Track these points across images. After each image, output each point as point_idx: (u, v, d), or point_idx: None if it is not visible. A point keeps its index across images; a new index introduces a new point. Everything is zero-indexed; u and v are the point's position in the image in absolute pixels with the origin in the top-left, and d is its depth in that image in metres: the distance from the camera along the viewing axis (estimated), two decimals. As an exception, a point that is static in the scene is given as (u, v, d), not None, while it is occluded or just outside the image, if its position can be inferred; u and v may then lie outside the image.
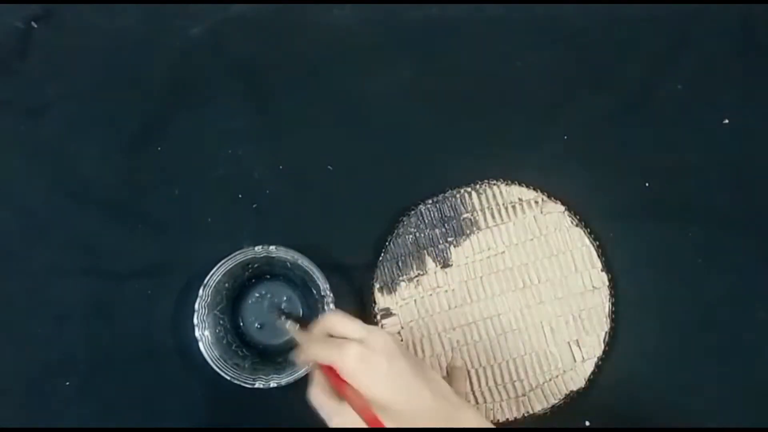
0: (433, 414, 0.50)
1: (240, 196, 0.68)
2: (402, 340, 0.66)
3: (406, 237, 0.67)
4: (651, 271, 0.68)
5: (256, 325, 0.66)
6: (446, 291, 0.66)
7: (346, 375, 0.50)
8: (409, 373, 0.50)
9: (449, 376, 0.65)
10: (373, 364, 0.49)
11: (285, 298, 0.66)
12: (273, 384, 0.60)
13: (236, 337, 0.65)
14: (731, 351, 0.67)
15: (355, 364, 0.49)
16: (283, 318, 0.64)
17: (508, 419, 0.65)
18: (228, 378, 0.60)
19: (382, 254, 0.67)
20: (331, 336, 0.53)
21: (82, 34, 0.69)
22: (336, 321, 0.53)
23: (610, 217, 0.68)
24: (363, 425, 0.49)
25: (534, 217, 0.67)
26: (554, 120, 0.70)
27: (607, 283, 0.66)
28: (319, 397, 0.52)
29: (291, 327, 0.61)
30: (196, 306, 0.61)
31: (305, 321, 0.63)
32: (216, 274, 0.61)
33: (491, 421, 0.65)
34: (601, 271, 0.66)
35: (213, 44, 0.70)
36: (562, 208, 0.67)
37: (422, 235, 0.67)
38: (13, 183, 0.67)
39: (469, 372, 0.66)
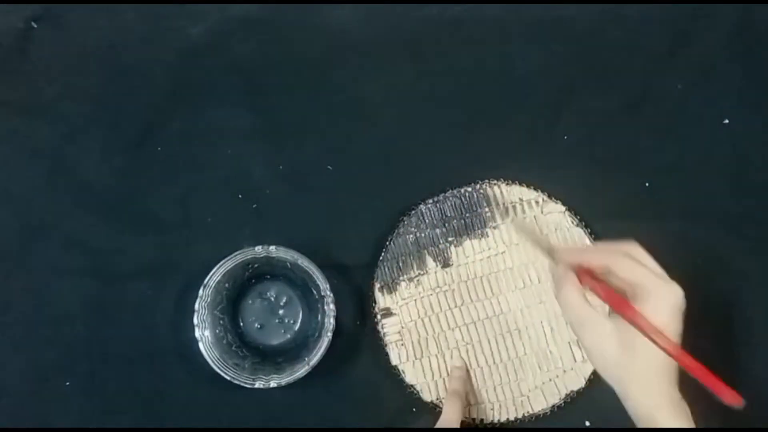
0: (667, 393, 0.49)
1: (240, 196, 0.68)
2: (402, 340, 0.66)
3: (407, 237, 0.67)
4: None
5: (256, 325, 0.66)
6: (446, 291, 0.66)
7: (661, 307, 0.49)
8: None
9: (449, 375, 0.65)
10: (681, 316, 0.49)
11: (285, 299, 0.66)
12: (273, 384, 0.60)
13: (236, 337, 0.65)
14: (731, 351, 0.67)
15: (680, 303, 0.49)
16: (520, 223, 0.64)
17: (508, 419, 0.65)
18: (228, 378, 0.60)
19: (383, 254, 0.67)
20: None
21: (82, 34, 0.69)
22: (650, 258, 0.52)
23: (610, 217, 0.68)
24: (637, 343, 0.48)
25: (534, 217, 0.67)
26: (554, 120, 0.70)
27: (607, 283, 0.66)
28: (578, 299, 0.51)
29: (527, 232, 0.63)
30: (196, 306, 0.61)
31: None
32: (216, 274, 0.61)
33: (491, 422, 0.65)
34: (602, 271, 0.66)
35: (213, 44, 0.70)
36: (563, 208, 0.67)
37: (423, 234, 0.67)
38: (13, 183, 0.67)
39: (469, 372, 0.66)
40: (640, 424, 0.50)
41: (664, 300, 0.49)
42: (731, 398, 0.47)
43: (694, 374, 0.48)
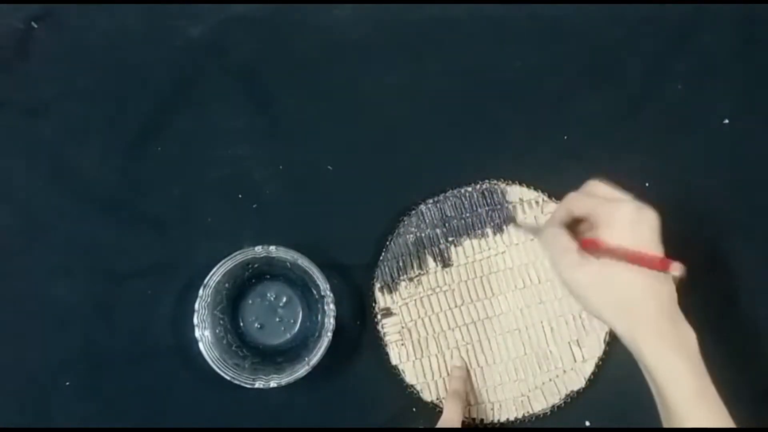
0: (661, 299, 0.49)
1: (240, 196, 0.68)
2: (402, 340, 0.66)
3: (407, 236, 0.67)
4: (651, 271, 0.68)
5: (256, 325, 0.66)
6: (447, 291, 0.66)
7: (612, 225, 0.49)
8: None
9: (449, 375, 0.65)
10: (636, 230, 0.49)
11: (285, 299, 0.66)
12: (273, 384, 0.60)
13: (236, 337, 0.65)
14: (731, 351, 0.67)
15: (629, 216, 0.49)
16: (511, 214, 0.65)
17: (508, 419, 0.65)
18: (228, 378, 0.60)
19: (383, 254, 0.67)
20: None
21: (82, 34, 0.69)
22: (603, 185, 0.52)
23: (610, 217, 0.68)
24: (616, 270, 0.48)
25: (534, 217, 0.67)
26: (554, 120, 0.70)
27: (607, 283, 0.66)
28: (563, 235, 0.51)
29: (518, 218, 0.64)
30: (196, 306, 0.61)
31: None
32: (216, 274, 0.61)
33: (491, 422, 0.65)
34: (602, 271, 0.66)
35: (213, 44, 0.70)
36: (563, 208, 0.67)
37: (423, 234, 0.67)
38: (13, 183, 0.67)
39: (469, 372, 0.66)
40: (638, 361, 0.50)
41: (610, 220, 0.49)
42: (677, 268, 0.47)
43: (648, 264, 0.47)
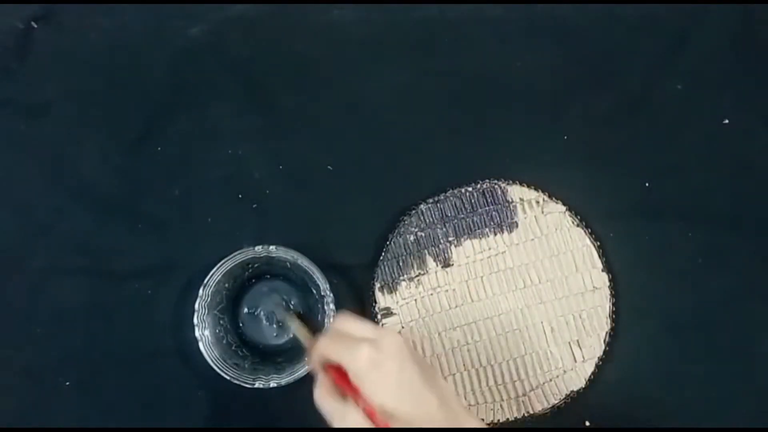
0: (436, 421, 0.48)
1: (240, 196, 0.68)
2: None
3: (407, 236, 0.67)
4: (651, 271, 0.68)
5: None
6: (447, 291, 0.66)
7: (354, 377, 0.48)
8: (418, 380, 0.49)
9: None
10: (383, 368, 0.48)
11: (285, 299, 0.66)
12: (273, 384, 0.60)
13: (236, 337, 0.65)
14: (731, 351, 0.67)
15: (365, 366, 0.48)
16: (287, 312, 0.64)
17: (508, 419, 0.65)
18: (228, 378, 0.60)
19: (383, 253, 0.67)
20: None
21: (82, 34, 0.69)
22: (345, 321, 0.52)
23: (610, 217, 0.68)
24: (367, 425, 0.48)
25: (535, 217, 0.67)
26: (554, 120, 0.70)
27: (607, 283, 0.66)
28: (324, 399, 0.50)
29: (293, 323, 0.61)
30: (196, 306, 0.61)
31: (309, 319, 0.63)
32: (216, 274, 0.61)
33: (491, 422, 0.65)
34: (602, 271, 0.66)
35: (213, 44, 0.69)
36: (563, 208, 0.67)
37: (423, 234, 0.67)
38: (13, 183, 0.67)
39: (469, 372, 0.66)
40: None
41: (353, 369, 0.48)
42: None
43: None
